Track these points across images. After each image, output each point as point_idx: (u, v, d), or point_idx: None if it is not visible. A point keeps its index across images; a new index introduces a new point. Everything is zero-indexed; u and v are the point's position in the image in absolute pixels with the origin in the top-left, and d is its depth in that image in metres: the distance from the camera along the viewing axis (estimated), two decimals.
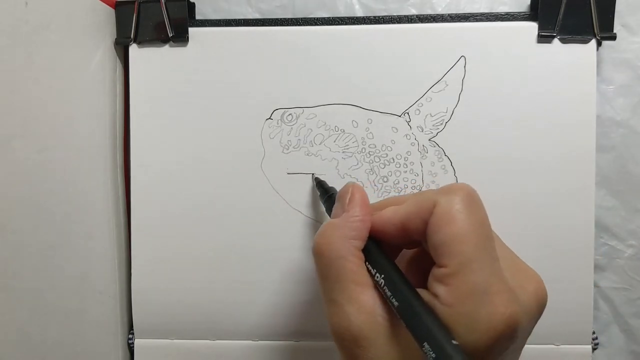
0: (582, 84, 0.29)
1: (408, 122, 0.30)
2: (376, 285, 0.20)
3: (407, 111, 0.30)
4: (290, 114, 0.31)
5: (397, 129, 0.30)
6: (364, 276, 0.20)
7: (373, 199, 0.30)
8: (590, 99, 0.29)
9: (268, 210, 0.31)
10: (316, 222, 0.31)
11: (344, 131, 0.30)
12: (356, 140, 0.30)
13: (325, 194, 0.27)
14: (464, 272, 0.17)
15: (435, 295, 0.18)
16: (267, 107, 0.31)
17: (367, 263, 0.20)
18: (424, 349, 0.17)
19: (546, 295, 0.19)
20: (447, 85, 0.30)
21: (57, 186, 0.28)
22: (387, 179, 0.30)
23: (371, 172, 0.30)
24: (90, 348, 0.30)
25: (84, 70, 0.30)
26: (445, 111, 0.30)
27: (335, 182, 0.30)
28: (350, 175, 0.30)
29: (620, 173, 0.32)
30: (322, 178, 0.30)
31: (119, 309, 0.32)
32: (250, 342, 0.32)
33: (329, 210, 0.25)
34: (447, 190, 0.19)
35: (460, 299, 0.17)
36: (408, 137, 0.30)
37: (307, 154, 0.31)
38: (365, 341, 0.18)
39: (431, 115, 0.30)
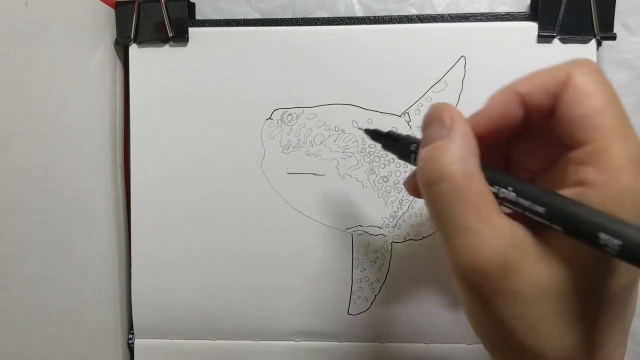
0: None
1: (408, 122, 0.30)
2: (502, 204, 0.17)
3: (407, 111, 0.30)
4: (290, 114, 0.31)
5: (397, 129, 0.30)
6: (493, 198, 0.17)
7: (373, 198, 0.30)
8: None
9: (268, 210, 0.31)
10: (316, 222, 0.31)
11: (344, 131, 0.30)
12: (356, 140, 0.30)
13: (390, 137, 0.23)
14: (614, 144, 0.15)
15: (581, 183, 0.15)
16: (267, 107, 0.31)
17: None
18: (600, 241, 0.14)
19: None
20: (447, 85, 0.30)
21: (57, 186, 0.28)
22: (387, 179, 0.30)
23: (371, 172, 0.30)
24: (90, 348, 0.30)
25: (84, 70, 0.30)
26: None
27: (335, 182, 0.30)
28: (350, 175, 0.30)
29: None
30: (321, 176, 0.30)
31: (119, 309, 0.32)
32: (250, 342, 0.32)
33: (403, 153, 0.21)
34: (578, 63, 0.17)
35: (615, 174, 0.15)
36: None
37: (307, 154, 0.31)
38: (512, 270, 0.15)
39: None
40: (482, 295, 0.16)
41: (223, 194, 0.31)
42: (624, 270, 0.15)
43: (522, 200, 0.16)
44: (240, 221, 0.31)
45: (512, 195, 0.16)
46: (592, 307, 0.16)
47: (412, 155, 0.20)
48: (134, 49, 0.31)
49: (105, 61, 0.31)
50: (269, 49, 0.30)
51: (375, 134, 0.25)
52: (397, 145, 0.22)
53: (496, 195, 0.17)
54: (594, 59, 0.29)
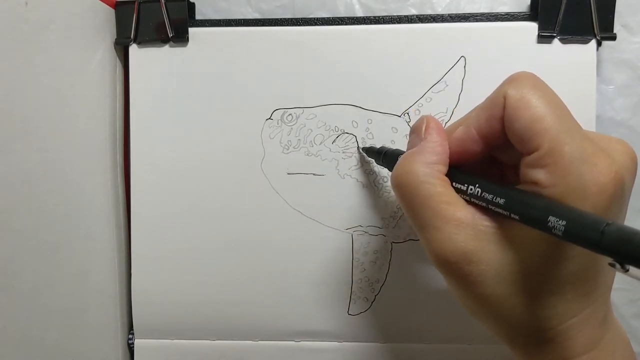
0: (582, 84, 0.29)
1: (408, 122, 0.30)
2: (470, 202, 0.19)
3: (407, 111, 0.30)
4: (290, 114, 0.31)
5: (397, 129, 0.30)
6: (454, 196, 0.19)
7: (373, 199, 0.30)
8: (590, 99, 0.29)
9: (268, 210, 0.31)
10: (316, 223, 0.31)
11: (344, 131, 0.30)
12: (356, 141, 0.30)
13: (380, 154, 0.27)
14: (558, 146, 0.17)
15: (534, 183, 0.17)
16: (267, 107, 0.31)
17: (453, 184, 0.20)
18: (549, 224, 0.16)
19: (634, 152, 0.19)
20: (447, 85, 0.30)
21: (57, 186, 0.28)
22: (387, 179, 0.30)
23: (371, 172, 0.30)
24: (90, 348, 0.30)
25: (84, 70, 0.30)
26: (445, 111, 0.30)
27: (335, 182, 0.30)
28: (350, 175, 0.30)
29: None
30: (321, 176, 0.30)
31: (119, 309, 0.32)
32: (250, 342, 0.32)
33: (392, 165, 0.24)
34: (511, 81, 0.19)
35: (562, 173, 0.17)
36: (408, 137, 0.30)
37: (307, 154, 0.31)
38: (474, 255, 0.18)
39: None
40: (454, 280, 0.19)
41: (223, 194, 0.31)
42: (576, 253, 0.17)
43: (486, 195, 0.19)
44: (240, 221, 0.31)
45: (477, 191, 0.19)
46: (550, 286, 0.18)
47: None
48: (134, 49, 0.31)
49: (105, 61, 0.31)
50: (269, 49, 0.30)
51: (368, 152, 0.29)
52: (387, 159, 0.26)
53: (465, 192, 0.19)
54: (594, 59, 0.29)
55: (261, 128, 0.31)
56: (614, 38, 0.29)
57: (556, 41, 0.29)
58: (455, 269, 0.18)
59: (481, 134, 0.20)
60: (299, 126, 0.31)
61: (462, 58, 0.30)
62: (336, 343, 0.32)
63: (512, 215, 0.18)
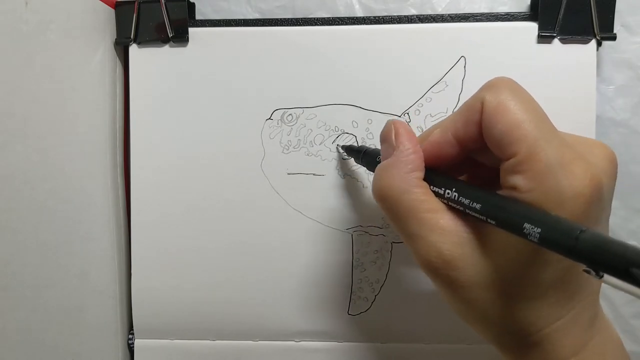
0: (582, 84, 0.29)
1: (408, 122, 0.30)
2: (449, 206, 0.19)
3: (407, 111, 0.30)
4: (290, 114, 0.31)
5: None
6: (436, 202, 0.20)
7: (373, 199, 0.30)
8: (590, 99, 0.29)
9: (268, 210, 0.31)
10: (316, 223, 0.31)
11: (344, 131, 0.30)
12: (356, 141, 0.30)
13: (359, 153, 0.27)
14: (535, 152, 0.17)
15: (513, 188, 0.17)
16: (267, 107, 0.31)
17: (432, 188, 0.20)
18: (524, 230, 0.16)
19: (614, 155, 0.19)
20: (447, 85, 0.30)
21: (57, 186, 0.28)
22: None
23: (371, 174, 0.30)
24: (90, 348, 0.30)
25: (84, 70, 0.30)
26: (445, 111, 0.30)
27: (335, 182, 0.30)
28: (350, 175, 0.30)
29: (620, 173, 0.31)
30: (321, 176, 0.30)
31: (119, 309, 0.32)
32: (250, 342, 0.32)
33: (372, 166, 0.24)
34: (489, 86, 0.19)
35: (539, 179, 0.17)
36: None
37: (307, 154, 0.31)
38: (459, 262, 0.18)
39: (431, 116, 0.30)
40: (442, 286, 0.19)
41: (223, 194, 0.31)
42: (556, 259, 0.17)
43: (462, 199, 0.19)
44: (240, 221, 0.31)
45: (454, 195, 0.19)
46: (532, 290, 0.18)
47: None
48: (134, 49, 0.31)
49: (105, 61, 0.31)
50: (269, 49, 0.30)
51: (348, 150, 0.28)
52: (366, 158, 0.26)
53: (443, 196, 0.20)
54: (594, 59, 0.29)
55: (261, 128, 0.31)
56: (614, 38, 0.29)
57: (556, 41, 0.29)
58: (442, 275, 0.19)
59: (458, 138, 0.20)
60: (299, 126, 0.31)
61: (462, 58, 0.30)
62: (336, 343, 0.32)
63: (489, 220, 0.18)
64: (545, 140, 0.17)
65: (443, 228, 0.19)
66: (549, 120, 0.18)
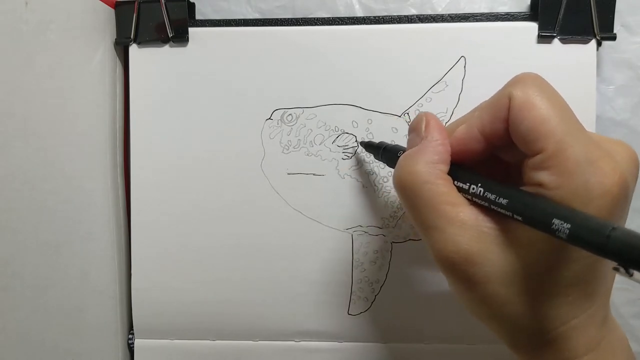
0: (582, 84, 0.29)
1: (408, 122, 0.30)
2: (472, 201, 0.19)
3: (407, 111, 0.30)
4: (290, 114, 0.31)
5: (397, 129, 0.30)
6: (457, 196, 0.19)
7: (373, 199, 0.30)
8: (590, 99, 0.29)
9: (268, 210, 0.31)
10: (316, 223, 0.31)
11: (344, 131, 0.30)
12: (356, 141, 0.30)
13: (379, 149, 0.26)
14: (563, 149, 0.17)
15: (539, 185, 0.17)
16: (267, 107, 0.31)
17: (456, 183, 0.20)
18: (553, 227, 0.16)
19: (636, 154, 0.19)
20: (447, 85, 0.30)
21: (57, 186, 0.28)
22: (387, 179, 0.30)
23: (371, 172, 0.30)
24: (90, 348, 0.30)
25: (84, 70, 0.30)
26: (445, 111, 0.30)
27: (335, 182, 0.30)
28: (350, 175, 0.30)
29: None
30: (321, 176, 0.30)
31: (119, 309, 0.32)
32: (250, 342, 0.32)
33: (392, 161, 0.24)
34: (515, 82, 0.18)
35: (567, 176, 0.16)
36: (407, 136, 0.30)
37: (307, 154, 0.31)
38: (478, 257, 0.18)
39: None
40: (458, 282, 0.19)
41: (223, 194, 0.31)
42: (579, 256, 0.17)
43: (488, 195, 0.18)
44: (240, 221, 0.31)
45: (480, 190, 0.19)
46: (553, 288, 0.18)
47: None
48: (134, 49, 0.31)
49: (105, 61, 0.31)
50: (269, 49, 0.30)
51: (367, 146, 0.28)
52: (385, 154, 0.25)
53: (467, 191, 0.19)
54: (594, 59, 0.29)
55: (261, 128, 0.31)
56: (614, 38, 0.29)
57: (556, 41, 0.29)
58: (459, 271, 0.18)
59: (484, 134, 0.20)
60: (299, 126, 0.31)
61: (462, 58, 0.30)
62: (336, 343, 0.32)
63: (515, 216, 0.17)
64: (573, 137, 0.17)
65: (463, 221, 0.18)
66: (576, 117, 0.18)
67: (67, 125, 0.29)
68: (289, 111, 0.31)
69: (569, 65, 0.29)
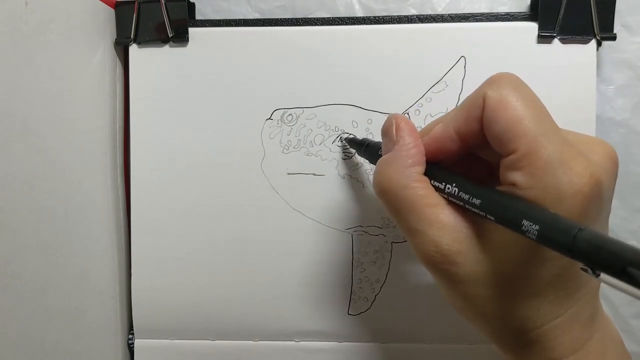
0: (582, 84, 0.29)
1: None
2: (449, 201, 0.19)
3: (407, 111, 0.30)
4: (290, 114, 0.31)
5: None
6: (435, 197, 0.20)
7: (373, 199, 0.30)
8: (590, 99, 0.29)
9: (268, 211, 0.31)
10: (316, 223, 0.31)
11: (344, 131, 0.30)
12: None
13: (362, 145, 0.27)
14: (535, 149, 0.17)
15: (512, 184, 0.17)
16: (267, 107, 0.31)
17: (432, 182, 0.20)
18: (523, 227, 0.16)
19: (615, 153, 0.19)
20: (447, 85, 0.30)
21: (57, 186, 0.28)
22: None
23: (371, 172, 0.30)
24: (90, 348, 0.30)
25: (84, 70, 0.30)
26: (445, 111, 0.30)
27: (335, 182, 0.30)
28: (350, 175, 0.30)
29: (620, 173, 0.31)
30: (321, 176, 0.30)
31: (119, 309, 0.32)
32: (250, 342, 0.32)
33: (374, 158, 0.24)
34: (491, 82, 0.19)
35: (538, 176, 0.17)
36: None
37: (307, 154, 0.31)
38: (458, 257, 0.18)
39: (431, 116, 0.30)
40: (441, 281, 0.19)
41: (223, 194, 0.31)
42: (555, 255, 0.17)
43: (462, 194, 0.19)
44: (240, 221, 0.31)
45: (455, 190, 0.19)
46: (531, 287, 0.18)
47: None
48: (134, 49, 0.31)
49: (105, 61, 0.31)
50: (269, 49, 0.30)
51: (350, 142, 0.28)
52: (367, 150, 0.25)
53: (443, 190, 0.20)
54: (594, 59, 0.29)
55: (261, 128, 0.31)
56: (614, 38, 0.29)
57: (556, 41, 0.29)
58: (441, 270, 0.19)
59: (459, 134, 0.20)
60: (299, 126, 0.31)
61: (462, 58, 0.30)
62: (336, 343, 0.32)
63: (488, 216, 0.18)
64: (546, 137, 0.17)
65: (442, 223, 0.19)
66: (551, 117, 0.18)
67: (67, 125, 0.29)
68: (289, 111, 0.31)
69: (569, 65, 0.29)
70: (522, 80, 0.19)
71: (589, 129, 0.29)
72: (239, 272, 0.31)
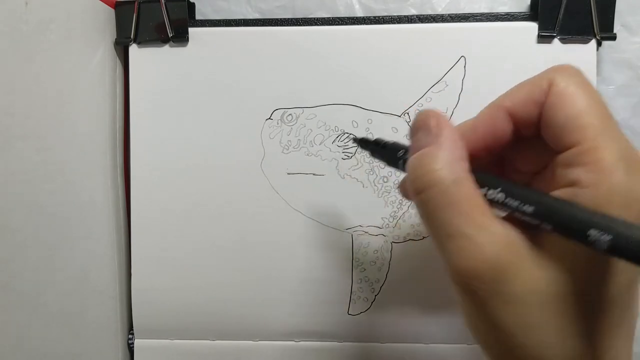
0: None
1: (408, 122, 0.30)
2: (492, 205, 0.17)
3: (407, 111, 0.30)
4: (290, 114, 0.31)
5: (397, 129, 0.30)
6: (484, 200, 0.17)
7: (373, 199, 0.30)
8: None
9: (268, 211, 0.31)
10: (316, 223, 0.31)
11: (344, 131, 0.30)
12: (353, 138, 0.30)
13: (377, 145, 0.23)
14: (602, 144, 0.15)
15: (572, 183, 0.15)
16: (267, 107, 0.31)
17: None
18: (589, 237, 0.14)
19: None
20: (447, 85, 0.30)
21: (57, 186, 0.28)
22: (387, 179, 0.30)
23: (371, 172, 0.30)
24: (90, 348, 0.30)
25: (84, 70, 0.30)
26: (445, 111, 0.30)
27: (335, 182, 0.30)
28: (350, 175, 0.30)
29: None
30: (321, 176, 0.30)
31: (119, 309, 0.32)
32: (250, 342, 0.32)
33: (392, 160, 0.22)
34: (559, 69, 0.17)
35: (605, 173, 0.15)
36: (408, 137, 0.30)
37: (307, 154, 0.31)
38: (507, 273, 0.15)
39: None
40: (479, 299, 0.16)
41: (223, 194, 0.31)
42: (621, 269, 0.15)
43: (510, 201, 0.16)
44: (240, 221, 0.31)
45: (500, 196, 0.17)
46: (592, 309, 0.15)
47: (400, 162, 0.21)
48: (134, 49, 0.31)
49: (105, 61, 0.31)
50: (269, 49, 0.30)
51: (363, 142, 0.25)
52: (385, 152, 0.23)
53: (485, 197, 0.17)
54: (594, 59, 0.29)
55: (261, 128, 0.31)
56: (614, 38, 0.29)
57: (556, 41, 0.29)
58: (485, 286, 0.16)
59: (514, 116, 0.18)
60: (299, 126, 0.31)
61: (462, 58, 0.30)
62: (336, 343, 0.32)
63: (544, 225, 0.15)
64: (613, 134, 0.15)
65: (493, 230, 0.16)
66: (615, 120, 0.16)
67: (67, 125, 0.29)
68: (289, 111, 0.31)
69: None
70: (587, 78, 0.17)
71: None
72: (239, 272, 0.31)
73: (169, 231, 0.31)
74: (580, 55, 0.29)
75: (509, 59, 0.29)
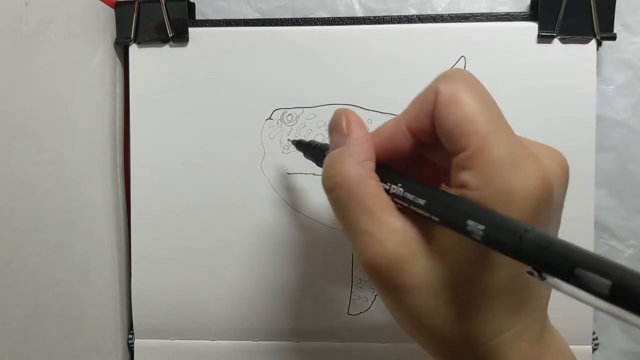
0: (582, 84, 0.29)
1: None
2: (395, 201, 0.18)
3: None
4: (290, 114, 0.31)
5: None
6: (387, 198, 0.18)
7: None
8: (590, 99, 0.29)
9: (268, 211, 0.31)
10: (316, 223, 0.31)
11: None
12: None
13: (309, 147, 0.25)
14: (486, 147, 0.16)
15: (462, 185, 0.16)
16: (267, 107, 0.31)
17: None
18: (468, 228, 0.15)
19: (567, 162, 0.18)
20: None
21: (57, 186, 0.28)
22: None
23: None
24: (90, 348, 0.30)
25: (84, 70, 0.30)
26: None
27: None
28: None
29: (620, 173, 0.31)
30: (320, 175, 0.30)
31: (119, 309, 0.32)
32: (250, 342, 0.32)
33: (319, 161, 0.23)
34: (444, 77, 0.18)
35: (489, 175, 0.16)
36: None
37: None
38: (405, 264, 0.17)
39: None
40: (387, 290, 0.18)
41: (223, 194, 0.31)
42: (503, 263, 0.16)
43: (408, 195, 0.18)
44: (240, 221, 0.31)
45: (400, 190, 0.18)
46: (479, 299, 0.17)
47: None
48: (134, 49, 0.31)
49: (105, 61, 0.31)
50: (269, 49, 0.30)
51: (299, 144, 0.27)
52: (315, 152, 0.24)
53: (387, 191, 0.19)
54: (594, 59, 0.29)
55: (261, 128, 0.31)
56: (614, 38, 0.29)
57: (556, 41, 0.29)
58: (387, 278, 0.17)
59: (411, 130, 0.19)
60: (299, 126, 0.31)
61: (462, 58, 0.30)
62: (336, 343, 0.32)
63: (433, 217, 0.17)
64: (498, 136, 0.16)
65: (392, 226, 0.18)
66: (504, 117, 0.17)
67: (67, 125, 0.29)
68: (289, 111, 0.31)
69: (569, 65, 0.29)
70: (476, 78, 0.18)
71: (589, 129, 0.29)
72: (239, 272, 0.31)
73: (169, 231, 0.31)
74: (580, 55, 0.29)
75: (509, 59, 0.29)
